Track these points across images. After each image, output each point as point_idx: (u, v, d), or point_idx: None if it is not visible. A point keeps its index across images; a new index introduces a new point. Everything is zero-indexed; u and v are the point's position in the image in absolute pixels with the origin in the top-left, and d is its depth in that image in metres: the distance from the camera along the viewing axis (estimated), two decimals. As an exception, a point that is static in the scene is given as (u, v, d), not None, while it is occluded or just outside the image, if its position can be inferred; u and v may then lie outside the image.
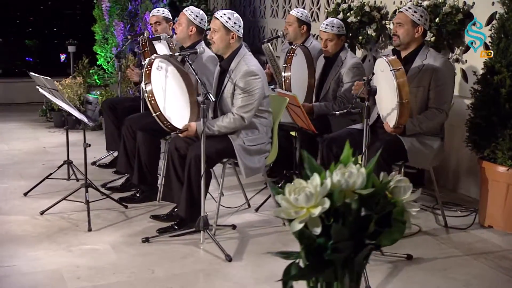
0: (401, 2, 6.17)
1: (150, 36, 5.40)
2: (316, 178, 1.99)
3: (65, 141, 7.06)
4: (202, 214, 4.12)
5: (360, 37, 6.27)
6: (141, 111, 5.53)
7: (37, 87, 4.95)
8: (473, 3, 5.31)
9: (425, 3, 5.42)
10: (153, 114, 4.18)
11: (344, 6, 6.47)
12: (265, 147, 4.41)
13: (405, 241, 4.23)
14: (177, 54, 4.35)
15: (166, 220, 4.56)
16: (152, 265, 3.78)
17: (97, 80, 8.51)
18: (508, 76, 4.33)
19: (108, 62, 8.39)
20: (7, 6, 12.05)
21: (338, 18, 6.35)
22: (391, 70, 3.83)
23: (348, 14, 6.32)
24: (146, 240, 4.16)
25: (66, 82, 7.98)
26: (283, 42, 7.24)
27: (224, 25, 4.27)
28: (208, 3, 10.90)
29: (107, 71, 8.47)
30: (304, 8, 8.04)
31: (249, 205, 4.96)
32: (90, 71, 8.53)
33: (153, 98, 4.13)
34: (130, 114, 5.47)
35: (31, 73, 5.22)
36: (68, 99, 7.78)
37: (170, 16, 5.95)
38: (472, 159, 4.97)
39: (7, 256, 3.89)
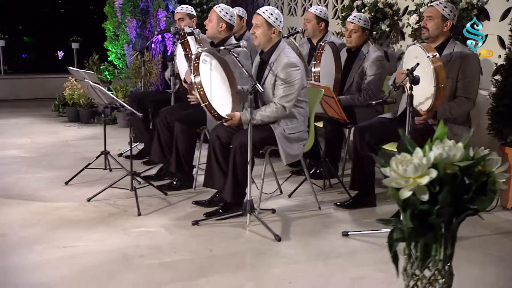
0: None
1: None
2: (419, 152, 2.26)
3: (85, 135, 7.42)
4: (248, 198, 4.39)
5: (374, 32, 6.56)
6: (172, 104, 5.74)
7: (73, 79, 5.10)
8: (487, -1, 5.63)
9: None
10: (202, 104, 4.41)
11: (358, 2, 6.76)
12: (303, 135, 4.68)
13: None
14: (222, 48, 4.60)
15: (208, 205, 4.81)
16: (208, 245, 4.04)
17: (107, 76, 8.70)
18: (529, 68, 4.66)
19: (119, 58, 8.58)
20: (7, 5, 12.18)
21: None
22: (427, 56, 4.10)
23: (363, 10, 6.61)
24: (196, 223, 4.41)
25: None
26: (301, 38, 7.51)
27: (266, 20, 4.53)
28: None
29: (117, 67, 8.64)
30: (311, 5, 8.33)
31: (281, 191, 5.23)
32: (101, 67, 8.71)
33: (202, 89, 4.37)
34: (159, 107, 5.69)
35: (70, 67, 5.42)
36: (83, 94, 8.01)
37: (193, 12, 6.21)
38: (492, 145, 5.29)
39: (70, 238, 4.11)
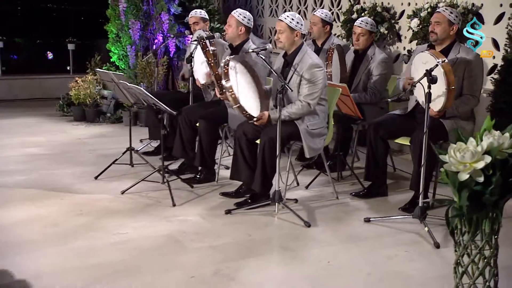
0: (408, 4, 6.97)
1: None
2: (473, 141, 2.70)
3: (95, 133, 7.75)
4: (276, 189, 4.79)
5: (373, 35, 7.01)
6: (190, 103, 6.06)
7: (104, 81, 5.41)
8: (482, 4, 6.12)
9: (440, 5, 6.21)
10: (234, 106, 4.79)
11: (358, 7, 7.22)
12: (324, 131, 5.09)
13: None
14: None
15: (234, 196, 5.20)
16: (245, 231, 4.43)
17: (110, 76, 8.99)
18: (527, 68, 5.16)
19: (120, 59, 8.90)
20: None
21: (352, 18, 7.14)
22: (437, 62, 4.55)
23: (363, 14, 7.06)
24: (229, 212, 4.80)
25: (88, 78, 8.45)
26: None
27: (289, 25, 4.92)
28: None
29: (120, 68, 8.95)
30: (306, 8, 8.77)
31: (297, 183, 5.64)
32: (103, 68, 9.01)
33: (233, 92, 4.75)
34: (177, 105, 6.03)
35: (97, 69, 5.74)
36: (90, 94, 8.32)
37: (206, 16, 6.60)
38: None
39: (117, 225, 4.47)
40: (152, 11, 8.61)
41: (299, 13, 8.80)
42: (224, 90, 5.25)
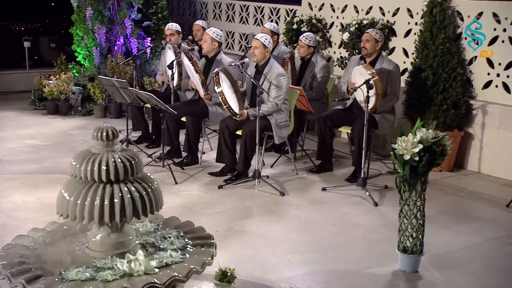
0: (337, 17, 8.71)
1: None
2: (411, 136, 4.41)
3: (74, 125, 9.03)
4: (256, 168, 6.41)
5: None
6: (172, 102, 7.48)
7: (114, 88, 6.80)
8: (394, 21, 7.93)
9: (365, 22, 7.97)
10: (224, 106, 6.34)
11: (297, 19, 8.90)
12: (287, 123, 6.73)
13: (380, 178, 6.79)
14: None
15: (220, 175, 6.76)
16: (239, 200, 6.02)
17: (75, 74, 10.25)
18: (431, 73, 6.99)
19: (84, 58, 10.20)
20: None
21: (293, 28, 8.82)
22: (368, 73, 6.27)
23: (302, 25, 8.75)
24: (221, 187, 6.37)
25: (62, 77, 9.68)
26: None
27: (263, 43, 6.51)
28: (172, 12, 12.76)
29: (85, 66, 10.22)
30: (248, 15, 10.36)
31: (263, 163, 7.25)
32: (69, 66, 10.26)
33: (223, 96, 6.29)
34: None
35: (100, 76, 7.11)
36: (64, 91, 9.58)
37: (179, 29, 8.06)
38: (406, 127, 7.61)
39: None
40: (114, 17, 9.95)
41: (241, 19, 10.42)
42: (208, 92, 6.82)
